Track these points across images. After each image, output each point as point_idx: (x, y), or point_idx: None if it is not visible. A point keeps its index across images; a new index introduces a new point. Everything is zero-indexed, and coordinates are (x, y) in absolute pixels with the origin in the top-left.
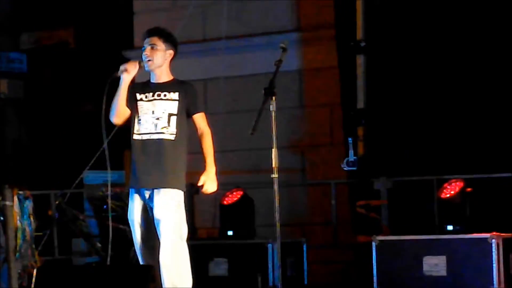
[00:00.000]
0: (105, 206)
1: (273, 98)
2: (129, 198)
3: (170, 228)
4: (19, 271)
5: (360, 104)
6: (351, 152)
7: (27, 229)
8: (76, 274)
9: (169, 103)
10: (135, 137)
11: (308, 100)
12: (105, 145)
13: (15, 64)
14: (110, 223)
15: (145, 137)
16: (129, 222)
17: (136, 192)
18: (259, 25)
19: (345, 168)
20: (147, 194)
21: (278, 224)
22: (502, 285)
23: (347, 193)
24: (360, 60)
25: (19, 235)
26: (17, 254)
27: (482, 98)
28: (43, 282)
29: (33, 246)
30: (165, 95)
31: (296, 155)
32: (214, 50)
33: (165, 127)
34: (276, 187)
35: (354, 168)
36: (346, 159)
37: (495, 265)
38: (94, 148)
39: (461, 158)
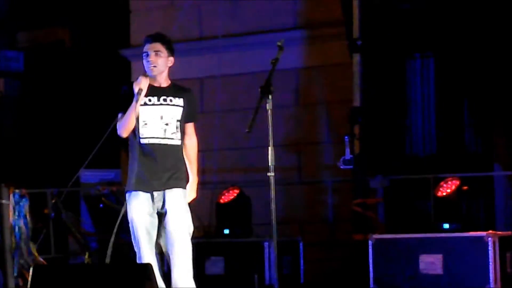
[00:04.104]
0: (101, 205)
1: (270, 96)
2: (130, 198)
3: (182, 227)
4: (15, 270)
5: (356, 103)
6: (347, 150)
7: (23, 228)
8: (72, 272)
9: (176, 109)
10: (142, 141)
11: (304, 98)
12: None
13: (12, 63)
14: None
15: (152, 141)
16: (131, 220)
17: (143, 192)
18: (255, 23)
19: (341, 167)
20: (156, 194)
21: (274, 223)
22: (498, 283)
23: (343, 191)
24: (357, 58)
25: (15, 234)
26: (13, 252)
27: (479, 94)
28: (39, 281)
29: (31, 244)
30: (171, 100)
31: (293, 153)
32: (211, 48)
33: (174, 132)
34: (272, 185)
35: (350, 167)
36: (343, 157)
37: (491, 264)
38: (90, 147)
39: (457, 156)
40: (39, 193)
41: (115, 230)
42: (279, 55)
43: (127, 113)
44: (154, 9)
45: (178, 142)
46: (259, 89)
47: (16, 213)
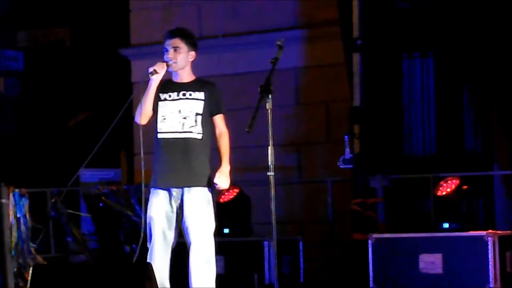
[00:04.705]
0: (101, 204)
1: (269, 96)
2: (151, 196)
3: (201, 226)
4: (15, 269)
5: (356, 102)
6: (347, 149)
7: (23, 227)
8: (72, 272)
9: (195, 103)
10: (160, 135)
11: (304, 97)
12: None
13: (12, 62)
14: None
15: (171, 135)
16: (149, 217)
17: (162, 190)
18: (255, 23)
19: (341, 166)
20: (175, 192)
21: (274, 222)
22: (498, 283)
23: (343, 190)
24: (356, 58)
25: (15, 233)
26: (13, 252)
27: (479, 93)
28: (39, 280)
29: (30, 244)
30: (190, 94)
31: (292, 152)
32: (210, 48)
33: (192, 126)
34: (272, 184)
35: (350, 166)
36: (342, 157)
37: (491, 263)
38: (90, 146)
39: (457, 156)
40: (39, 193)
41: (142, 230)
42: (279, 55)
43: (143, 97)
44: (154, 8)
45: (198, 136)
46: (259, 89)
47: (16, 213)
